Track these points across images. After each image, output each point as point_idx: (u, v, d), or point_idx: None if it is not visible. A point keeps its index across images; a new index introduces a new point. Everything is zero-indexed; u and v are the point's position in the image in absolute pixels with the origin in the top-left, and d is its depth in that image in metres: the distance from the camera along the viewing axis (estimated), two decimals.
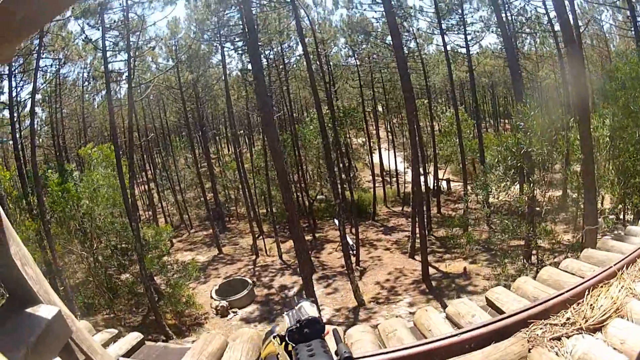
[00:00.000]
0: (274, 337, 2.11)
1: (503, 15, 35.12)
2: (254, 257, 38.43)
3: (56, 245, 25.60)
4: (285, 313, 2.24)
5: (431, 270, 29.77)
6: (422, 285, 28.78)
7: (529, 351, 3.72)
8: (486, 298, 5.08)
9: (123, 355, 4.78)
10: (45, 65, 36.84)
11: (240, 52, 42.53)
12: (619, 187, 22.43)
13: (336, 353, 1.91)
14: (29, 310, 2.69)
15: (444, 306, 16.63)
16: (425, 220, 31.82)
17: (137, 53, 32.88)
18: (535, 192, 23.50)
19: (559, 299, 4.16)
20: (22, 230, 24.28)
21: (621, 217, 23.54)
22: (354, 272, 28.38)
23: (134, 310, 29.00)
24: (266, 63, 42.12)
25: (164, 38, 42.72)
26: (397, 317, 22.01)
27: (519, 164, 23.50)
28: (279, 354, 1.98)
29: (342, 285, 30.43)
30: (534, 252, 23.85)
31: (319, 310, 2.27)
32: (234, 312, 28.70)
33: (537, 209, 24.41)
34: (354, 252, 33.07)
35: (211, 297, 30.26)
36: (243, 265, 37.26)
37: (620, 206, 23.23)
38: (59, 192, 25.94)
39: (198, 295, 30.40)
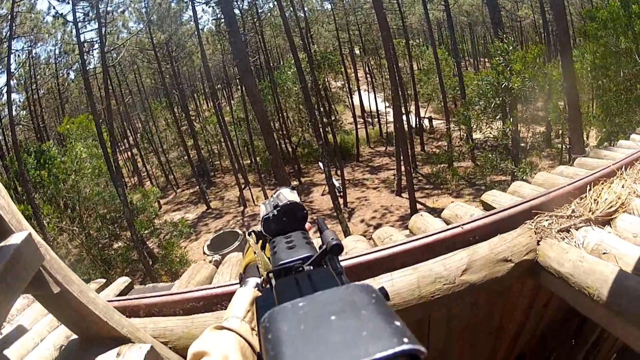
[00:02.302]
0: (249, 235, 1.76)
1: None
2: (241, 208, 38.57)
3: (48, 227, 25.52)
4: (262, 202, 1.91)
5: (418, 207, 29.77)
6: (409, 221, 28.88)
7: (538, 243, 3.56)
8: (482, 201, 4.98)
9: (111, 300, 4.36)
10: (17, 50, 36.63)
11: (213, 4, 42.07)
12: (603, 124, 22.42)
13: (322, 242, 1.48)
14: (5, 238, 2.48)
15: None
16: (410, 158, 31.82)
17: (107, 19, 32.38)
18: (518, 126, 23.49)
19: (561, 192, 4.00)
20: None
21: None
22: (343, 213, 28.30)
23: (130, 277, 29.00)
24: (239, 14, 41.62)
25: (133, 1, 42.12)
26: None
27: (500, 100, 23.46)
28: (255, 253, 1.61)
29: (331, 227, 29.68)
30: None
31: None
32: None
33: (522, 144, 24.42)
34: (341, 193, 33.25)
35: (204, 253, 30.22)
36: (232, 217, 37.35)
37: (605, 144, 23.29)
38: (41, 174, 25.81)
39: (191, 253, 30.45)
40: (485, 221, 3.76)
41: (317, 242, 1.76)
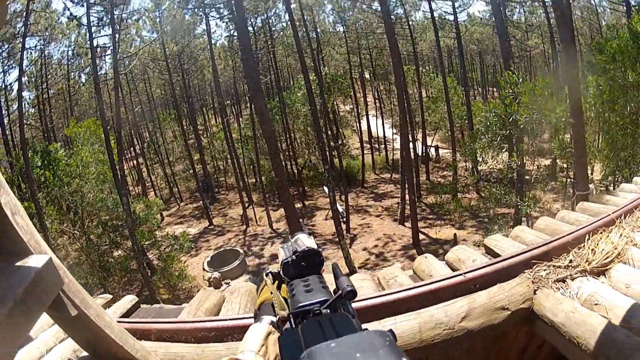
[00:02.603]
0: (267, 276, 1.91)
1: None
2: (244, 227, 38.44)
3: (51, 228, 25.54)
4: (280, 246, 2.07)
5: (421, 237, 29.81)
6: (411, 251, 28.83)
7: (535, 292, 3.70)
8: (485, 245, 5.17)
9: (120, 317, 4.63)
10: (30, 47, 36.91)
11: (226, 20, 42.29)
12: (609, 160, 22.45)
13: (337, 288, 1.64)
14: (18, 262, 2.51)
15: None
16: (415, 186, 31.82)
17: (121, 26, 32.57)
18: (524, 159, 23.52)
19: (561, 242, 4.16)
20: None
21: (611, 188, 23.61)
22: (345, 239, 28.31)
23: (127, 287, 29.03)
24: (252, 31, 41.85)
25: (147, 10, 42.48)
26: None
27: (507, 132, 23.49)
28: (272, 292, 1.76)
29: (333, 252, 30.32)
30: (523, 219, 23.88)
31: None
32: (226, 284, 28.60)
33: (527, 177, 24.46)
34: (344, 219, 33.00)
35: (203, 269, 30.31)
36: (233, 235, 37.27)
37: (610, 178, 23.28)
38: (45, 174, 25.84)
39: (190, 268, 30.40)
40: (487, 270, 3.92)
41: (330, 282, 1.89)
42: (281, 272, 1.86)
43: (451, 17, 42.49)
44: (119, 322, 3.67)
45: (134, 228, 25.96)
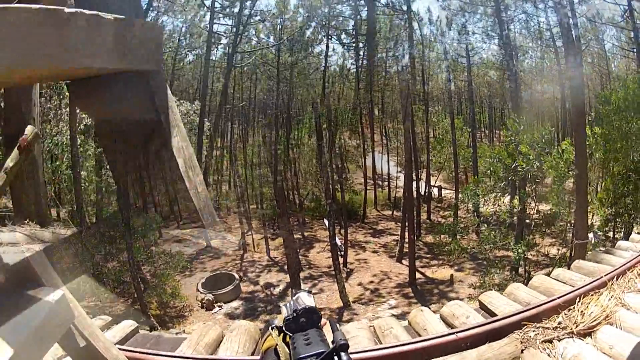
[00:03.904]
0: (272, 329, 2.16)
1: (505, 27, 35.10)
2: (241, 252, 38.55)
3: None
4: (282, 304, 2.34)
5: (417, 275, 29.94)
6: (407, 289, 28.98)
7: (522, 352, 3.90)
8: (479, 301, 5.35)
9: (117, 343, 4.70)
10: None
11: (346, 48, 42.77)
12: (609, 206, 22.60)
13: (332, 341, 1.95)
14: (30, 292, 2.46)
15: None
16: (415, 225, 31.90)
17: (246, 21, 32.82)
18: (525, 205, 23.67)
19: (551, 304, 4.36)
20: None
21: (610, 234, 23.66)
22: (341, 273, 28.40)
23: (118, 298, 29.01)
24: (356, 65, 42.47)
25: (273, 14, 43.03)
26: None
27: (510, 177, 23.67)
28: (277, 344, 2.03)
29: (328, 285, 30.51)
30: (521, 263, 23.93)
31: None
32: (219, 306, 28.76)
33: (527, 221, 24.56)
34: (342, 253, 33.22)
35: (197, 290, 30.26)
36: (230, 259, 37.35)
37: (610, 224, 23.35)
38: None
39: (183, 287, 30.23)
40: (478, 330, 4.15)
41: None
42: (284, 327, 2.11)
43: (464, 60, 42.85)
44: (120, 349, 3.76)
45: (132, 242, 26.00)
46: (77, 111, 22.98)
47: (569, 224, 26.34)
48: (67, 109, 23.79)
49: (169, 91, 1.97)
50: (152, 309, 27.25)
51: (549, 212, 27.27)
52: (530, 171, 22.36)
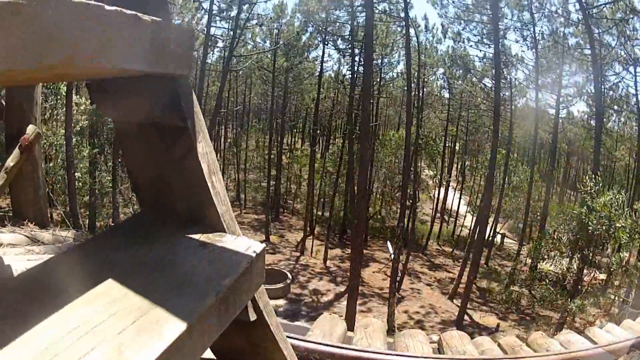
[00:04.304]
0: None
1: (598, 86, 34.42)
2: (297, 254, 38.58)
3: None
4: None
5: (465, 317, 29.31)
6: (451, 328, 28.07)
7: None
8: (585, 333, 5.75)
9: None
10: None
11: (342, 54, 42.75)
12: None
13: None
14: (202, 236, 1.84)
15: None
16: (476, 268, 31.47)
17: (243, 25, 33.07)
18: (584, 267, 23.31)
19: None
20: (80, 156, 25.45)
21: None
22: (394, 297, 28.08)
23: None
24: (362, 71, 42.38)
25: (270, 18, 43.53)
26: None
27: (576, 237, 23.31)
28: None
29: (377, 307, 30.26)
30: (566, 326, 23.53)
31: None
32: None
33: (579, 286, 24.20)
34: (398, 278, 32.31)
35: None
36: (284, 258, 37.36)
37: None
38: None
39: None
40: (620, 346, 4.69)
41: None
42: None
43: (552, 111, 42.17)
44: None
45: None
46: (74, 112, 23.24)
47: (618, 298, 25.80)
48: (64, 109, 23.85)
49: (194, 96, 1.80)
50: None
51: (602, 281, 26.79)
52: (600, 230, 21.82)
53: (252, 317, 2.04)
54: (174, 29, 1.61)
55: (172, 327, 1.26)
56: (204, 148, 1.81)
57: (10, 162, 4.52)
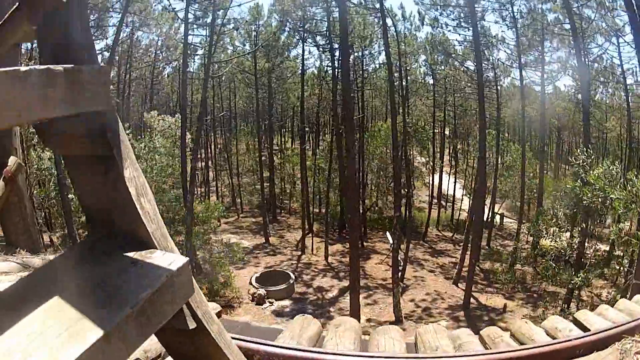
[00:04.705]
0: None
1: (581, 60, 34.47)
2: (298, 253, 38.59)
3: None
4: None
5: (471, 301, 29.34)
6: (459, 312, 28.45)
7: None
8: (574, 318, 5.38)
9: None
10: (114, 24, 38.21)
11: (321, 49, 42.86)
12: None
13: None
14: (135, 254, 2.04)
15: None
16: (477, 251, 31.51)
17: (219, 30, 33.12)
18: (584, 240, 23.31)
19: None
20: None
21: None
22: (398, 287, 28.16)
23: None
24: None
25: (246, 22, 43.94)
26: None
27: (574, 212, 23.33)
28: None
29: (382, 298, 30.28)
30: (573, 300, 23.54)
31: None
32: (269, 302, 28.74)
33: (582, 260, 24.21)
34: (401, 268, 32.20)
35: (250, 284, 30.48)
36: (286, 259, 37.35)
37: None
38: None
39: (236, 279, 30.33)
40: (591, 339, 4.34)
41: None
42: None
43: (538, 88, 42.35)
44: None
45: (191, 226, 26.33)
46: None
47: (623, 268, 25.85)
48: None
49: (120, 126, 2.03)
50: None
51: (605, 253, 26.80)
52: (595, 203, 21.91)
53: (191, 325, 2.26)
54: (87, 72, 1.83)
55: (94, 334, 1.57)
56: (131, 173, 2.08)
57: None
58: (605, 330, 4.38)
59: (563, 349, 4.14)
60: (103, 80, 1.94)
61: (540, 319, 22.45)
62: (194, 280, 2.18)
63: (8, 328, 1.59)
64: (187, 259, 2.04)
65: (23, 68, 1.60)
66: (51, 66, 1.75)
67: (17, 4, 2.30)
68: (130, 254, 2.04)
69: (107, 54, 34.13)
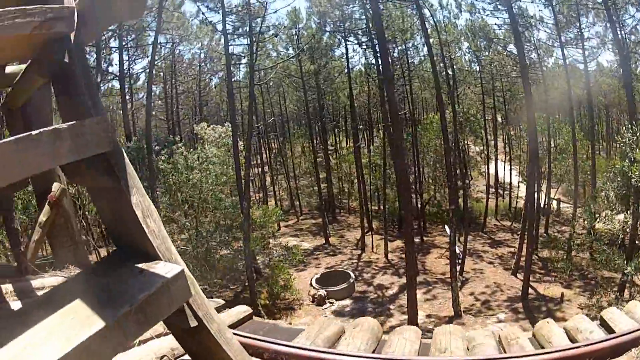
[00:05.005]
0: None
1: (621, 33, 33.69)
2: (358, 251, 38.57)
3: (159, 214, 26.58)
4: None
5: (529, 291, 28.86)
6: (517, 304, 28.08)
7: None
8: (600, 317, 5.25)
9: (229, 326, 4.40)
10: (160, 43, 38.88)
11: (364, 47, 42.82)
12: None
13: None
14: (144, 265, 2.62)
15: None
16: (534, 239, 31.05)
17: (258, 38, 33.42)
18: (637, 222, 22.64)
19: None
20: None
21: None
22: (457, 281, 27.92)
23: (228, 285, 29.96)
24: (390, 60, 42.18)
25: (284, 27, 44.07)
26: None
27: (626, 193, 22.77)
28: None
29: (441, 293, 30.05)
30: (628, 286, 22.94)
31: None
32: (330, 303, 28.84)
33: (637, 242, 23.53)
34: (460, 260, 32.44)
35: (310, 285, 30.76)
36: (346, 258, 37.41)
37: None
38: (165, 166, 26.87)
39: (296, 281, 30.63)
40: (603, 345, 4.18)
41: None
42: None
43: (581, 66, 41.66)
44: (235, 334, 3.88)
45: (249, 232, 26.60)
46: None
47: None
48: None
49: (126, 160, 2.67)
50: (262, 299, 27.80)
51: None
52: None
53: (192, 324, 2.80)
54: (88, 124, 2.54)
55: (98, 326, 2.18)
56: (137, 199, 2.69)
57: (42, 217, 5.08)
58: (628, 334, 4.24)
59: (571, 357, 4.07)
60: (103, 128, 2.58)
61: (595, 308, 22.13)
62: (194, 285, 2.83)
63: (34, 325, 2.23)
64: (182, 267, 2.61)
65: (35, 132, 2.22)
66: (58, 125, 2.37)
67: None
68: (140, 265, 2.61)
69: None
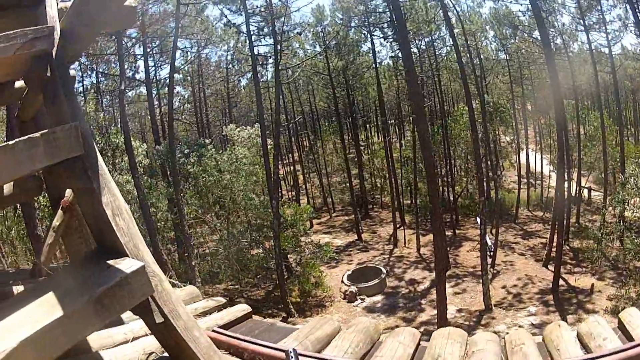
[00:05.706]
0: None
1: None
2: (391, 246, 38.53)
3: (189, 212, 26.97)
4: None
5: (560, 282, 28.55)
6: (548, 296, 27.77)
7: None
8: (619, 319, 4.63)
9: (222, 326, 4.68)
10: (185, 47, 40.29)
11: (390, 40, 42.78)
12: None
13: None
14: (112, 261, 2.80)
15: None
16: (565, 229, 30.78)
17: (282, 38, 33.56)
18: None
19: None
20: (156, 196, 26.51)
21: None
22: (488, 274, 27.71)
23: (259, 284, 30.18)
24: (417, 53, 42.07)
25: (309, 25, 44.18)
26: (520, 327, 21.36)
27: None
28: None
29: (472, 286, 29.91)
30: None
31: None
32: (361, 299, 28.89)
33: None
34: (492, 253, 32.05)
35: (342, 281, 30.81)
36: (378, 253, 37.38)
37: None
38: (194, 166, 27.25)
39: (328, 278, 30.75)
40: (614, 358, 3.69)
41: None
42: None
43: (606, 50, 41.17)
44: (217, 332, 4.13)
45: (279, 231, 26.80)
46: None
47: None
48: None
49: (100, 162, 2.96)
50: (293, 297, 27.99)
51: None
52: None
53: (158, 319, 2.98)
54: (59, 131, 2.80)
55: (59, 314, 2.40)
56: (108, 198, 2.95)
57: (56, 222, 5.35)
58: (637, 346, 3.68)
59: None
60: (74, 135, 2.87)
61: (624, 299, 21.89)
62: (161, 279, 3.07)
63: (10, 313, 2.49)
64: (142, 264, 2.80)
65: (11, 142, 2.55)
66: (31, 135, 2.67)
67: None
68: (109, 261, 2.82)
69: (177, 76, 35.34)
